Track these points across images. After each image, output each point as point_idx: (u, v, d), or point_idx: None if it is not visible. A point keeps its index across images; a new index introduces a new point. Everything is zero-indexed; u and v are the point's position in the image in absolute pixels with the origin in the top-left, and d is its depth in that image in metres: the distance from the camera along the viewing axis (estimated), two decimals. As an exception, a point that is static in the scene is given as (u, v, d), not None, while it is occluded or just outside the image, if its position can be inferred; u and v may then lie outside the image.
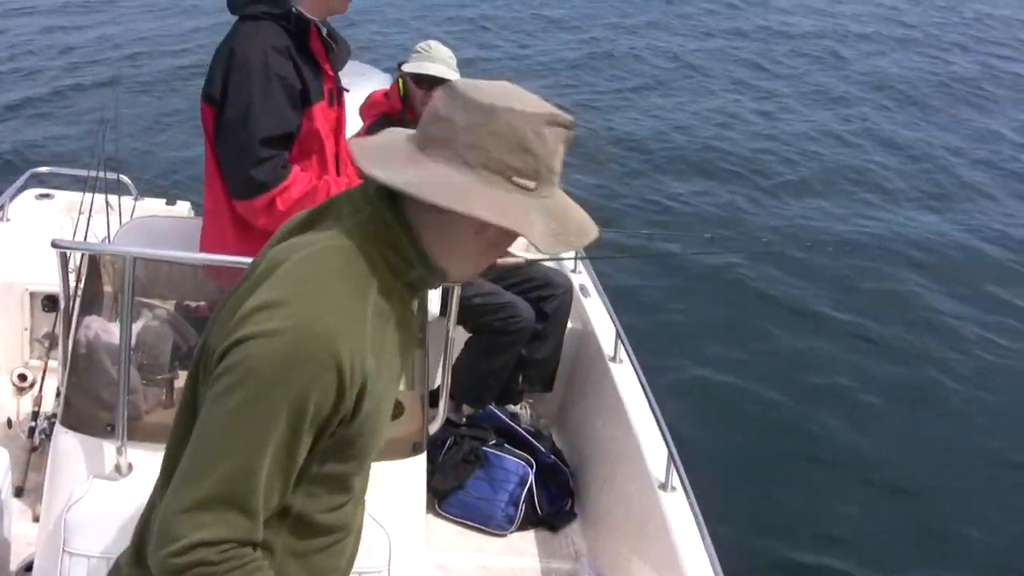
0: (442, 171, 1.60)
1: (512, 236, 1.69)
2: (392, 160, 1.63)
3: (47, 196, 5.35)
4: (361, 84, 4.77)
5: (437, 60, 4.40)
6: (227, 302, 1.70)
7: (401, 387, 3.23)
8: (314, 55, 3.29)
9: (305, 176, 3.25)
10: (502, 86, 1.67)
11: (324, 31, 3.37)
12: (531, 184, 1.63)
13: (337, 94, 3.43)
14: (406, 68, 4.45)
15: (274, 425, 1.53)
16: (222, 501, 1.55)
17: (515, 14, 17.42)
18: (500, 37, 15.90)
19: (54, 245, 2.90)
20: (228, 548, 1.56)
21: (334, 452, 1.65)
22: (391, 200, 1.66)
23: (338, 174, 3.43)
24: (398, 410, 3.08)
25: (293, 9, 3.23)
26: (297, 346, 1.53)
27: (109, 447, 2.86)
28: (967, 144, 12.52)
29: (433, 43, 4.50)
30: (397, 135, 1.71)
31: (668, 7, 18.43)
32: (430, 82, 4.31)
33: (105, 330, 3.02)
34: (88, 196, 4.43)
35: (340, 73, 3.47)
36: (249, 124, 3.15)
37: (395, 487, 2.93)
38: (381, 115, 4.50)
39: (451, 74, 4.35)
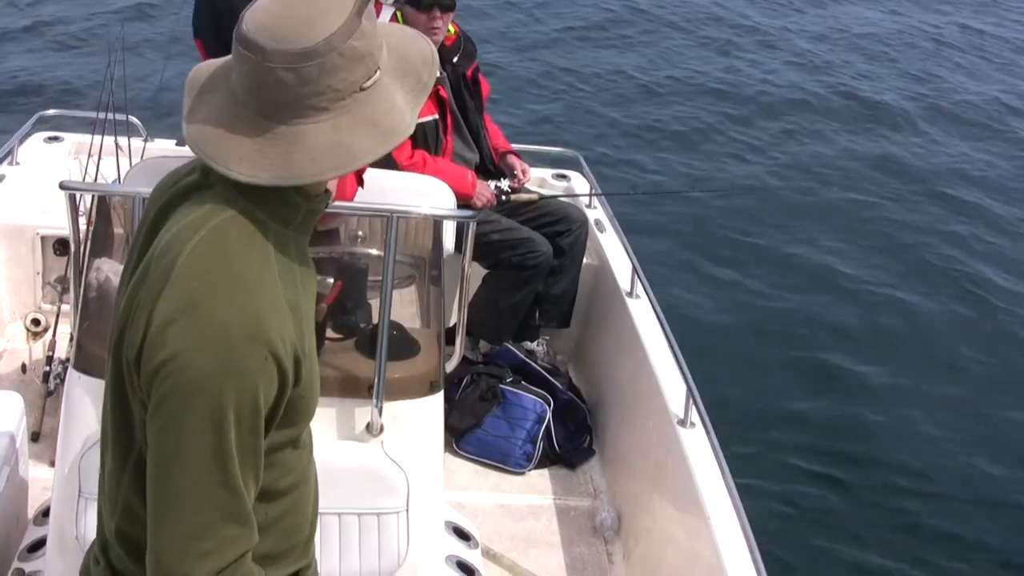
0: (311, 138, 1.50)
1: None
2: (243, 144, 1.51)
3: (56, 139, 5.29)
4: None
5: None
6: (131, 289, 1.58)
7: (416, 324, 3.22)
8: None
9: None
10: (284, 10, 1.49)
11: None
12: (376, 74, 1.54)
13: None
14: None
15: (233, 431, 1.46)
16: (216, 521, 1.48)
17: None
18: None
19: (62, 187, 2.86)
20: (237, 566, 1.51)
21: (283, 420, 1.59)
22: None
23: None
24: (413, 348, 3.06)
25: None
26: (228, 350, 1.45)
27: None
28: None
29: None
30: (212, 112, 1.56)
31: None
32: (429, 4, 4.18)
33: (116, 272, 2.99)
34: (97, 138, 4.38)
35: None
36: None
37: (413, 426, 2.90)
38: None
39: None
